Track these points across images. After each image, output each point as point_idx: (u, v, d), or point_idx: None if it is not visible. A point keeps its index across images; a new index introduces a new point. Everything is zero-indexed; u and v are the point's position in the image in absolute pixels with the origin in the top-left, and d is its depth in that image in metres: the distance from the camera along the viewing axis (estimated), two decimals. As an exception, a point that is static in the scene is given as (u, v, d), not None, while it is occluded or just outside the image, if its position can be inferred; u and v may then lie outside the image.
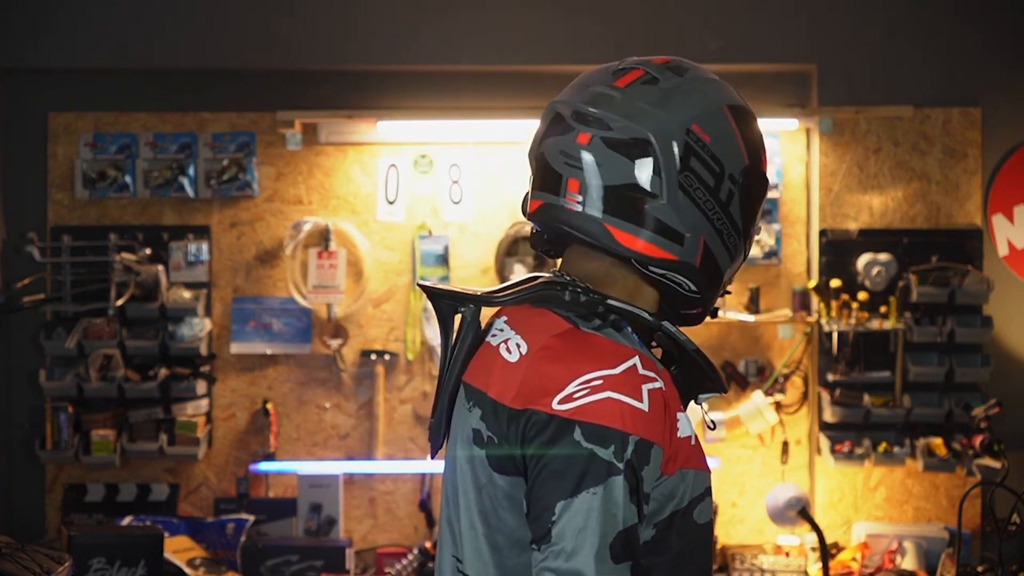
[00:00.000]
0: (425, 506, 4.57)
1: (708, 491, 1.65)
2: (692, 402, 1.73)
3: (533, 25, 4.57)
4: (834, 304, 4.43)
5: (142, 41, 4.59)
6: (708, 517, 1.65)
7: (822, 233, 4.54)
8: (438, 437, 1.77)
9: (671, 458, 1.58)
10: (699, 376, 1.71)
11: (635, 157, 1.62)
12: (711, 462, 1.89)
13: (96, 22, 4.58)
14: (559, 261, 1.77)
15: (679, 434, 1.60)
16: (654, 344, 1.74)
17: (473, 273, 4.65)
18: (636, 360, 1.58)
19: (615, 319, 1.66)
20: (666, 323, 1.69)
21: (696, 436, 1.65)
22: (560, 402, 1.54)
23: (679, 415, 1.62)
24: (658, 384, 1.57)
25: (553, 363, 1.59)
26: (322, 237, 4.61)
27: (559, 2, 4.58)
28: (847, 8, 4.57)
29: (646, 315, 1.68)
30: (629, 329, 1.66)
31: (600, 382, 1.54)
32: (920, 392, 4.46)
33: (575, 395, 1.54)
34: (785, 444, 4.60)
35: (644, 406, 1.54)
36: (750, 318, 4.50)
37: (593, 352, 1.59)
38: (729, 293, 1.79)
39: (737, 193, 1.66)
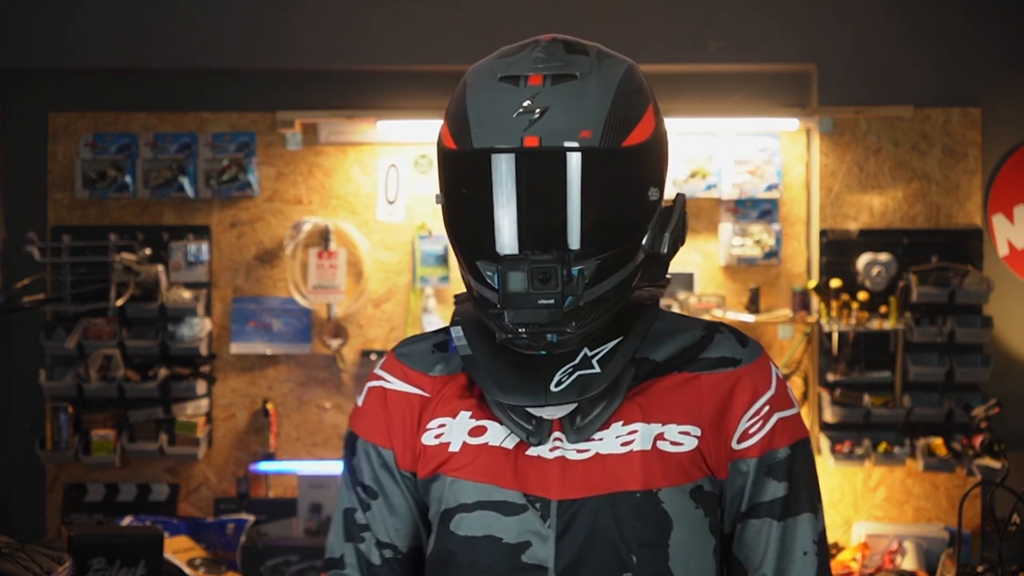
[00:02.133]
0: (425, 506, 4.57)
1: (486, 505, 1.53)
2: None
3: (532, 25, 4.54)
4: (834, 304, 4.43)
5: (142, 41, 4.59)
6: (477, 532, 1.52)
7: (822, 233, 4.53)
8: None
9: (419, 461, 1.57)
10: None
11: None
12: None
13: (96, 22, 4.57)
14: None
15: (430, 440, 1.56)
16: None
17: (473, 273, 4.64)
18: (383, 359, 1.67)
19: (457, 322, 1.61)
20: (455, 327, 1.58)
21: (490, 447, 1.54)
22: None
23: (441, 420, 1.56)
24: (379, 383, 1.63)
25: None
26: (322, 237, 4.61)
27: (558, 2, 4.58)
28: (847, 8, 4.56)
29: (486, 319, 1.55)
30: (455, 333, 1.57)
31: None
32: (920, 392, 4.46)
33: None
34: (785, 444, 4.59)
35: (360, 401, 1.66)
36: (750, 318, 4.49)
37: None
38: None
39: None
